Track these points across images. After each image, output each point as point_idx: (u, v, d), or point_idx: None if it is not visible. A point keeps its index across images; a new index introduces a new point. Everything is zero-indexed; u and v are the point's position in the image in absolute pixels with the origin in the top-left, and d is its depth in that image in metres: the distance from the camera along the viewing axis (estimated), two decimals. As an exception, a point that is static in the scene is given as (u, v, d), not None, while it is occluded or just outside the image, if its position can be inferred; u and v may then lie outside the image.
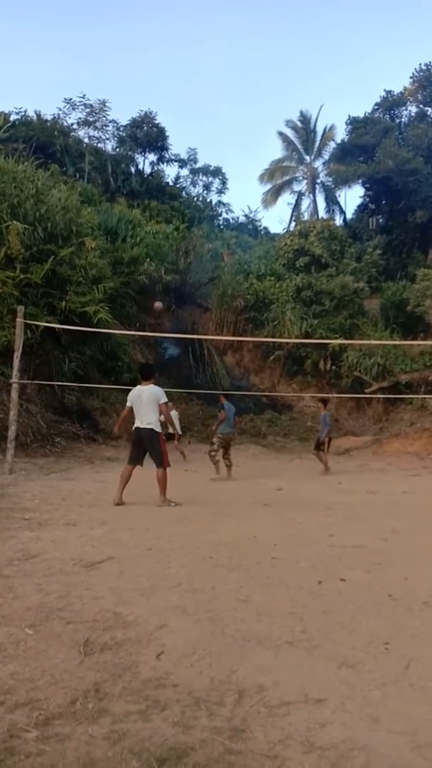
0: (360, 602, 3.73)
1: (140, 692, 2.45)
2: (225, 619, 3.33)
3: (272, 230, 40.96)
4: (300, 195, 36.28)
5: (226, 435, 11.64)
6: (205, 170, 40.54)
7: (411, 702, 2.45)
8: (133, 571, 4.29)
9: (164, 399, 7.53)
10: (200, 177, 40.66)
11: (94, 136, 33.95)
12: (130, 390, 7.90)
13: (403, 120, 33.35)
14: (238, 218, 42.38)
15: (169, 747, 2.04)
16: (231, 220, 41.86)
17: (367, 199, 31.29)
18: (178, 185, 39.15)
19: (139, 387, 7.68)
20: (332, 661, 2.82)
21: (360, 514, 7.50)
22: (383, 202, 30.21)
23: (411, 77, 32.24)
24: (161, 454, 7.44)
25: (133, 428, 7.58)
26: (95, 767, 1.93)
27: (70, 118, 32.76)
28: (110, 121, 34.26)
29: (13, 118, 28.42)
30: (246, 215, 42.55)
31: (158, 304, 14.11)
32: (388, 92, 33.51)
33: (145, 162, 37.41)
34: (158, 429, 7.51)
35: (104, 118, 33.48)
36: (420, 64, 31.74)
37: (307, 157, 34.88)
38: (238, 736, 2.13)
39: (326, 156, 34.37)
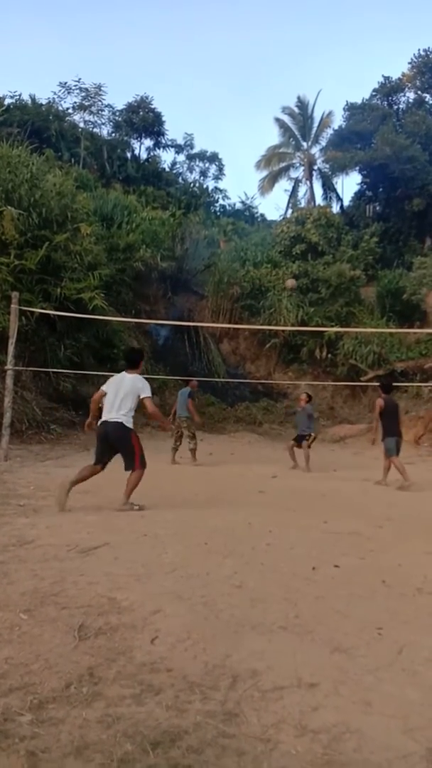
0: (354, 588, 3.75)
1: (134, 676, 2.46)
2: (219, 605, 3.35)
3: (269, 217, 40.86)
4: (297, 182, 36.11)
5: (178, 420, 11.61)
6: (202, 156, 40.29)
7: (403, 686, 2.47)
8: (127, 556, 4.29)
9: (147, 393, 6.32)
10: (197, 163, 40.44)
11: (89, 121, 33.69)
12: None
13: (401, 106, 33.13)
14: (234, 205, 42.21)
15: (163, 730, 2.05)
16: (227, 207, 41.67)
17: (364, 186, 31.16)
18: (174, 171, 38.92)
19: (122, 374, 6.54)
20: (325, 646, 2.84)
21: (354, 501, 7.53)
22: (380, 189, 30.08)
23: (409, 63, 32.07)
24: (134, 453, 6.25)
25: (100, 422, 6.38)
26: (89, 750, 1.94)
27: (65, 102, 32.51)
28: (106, 106, 34.01)
29: (7, 101, 28.15)
30: (243, 202, 42.37)
31: (291, 282, 13.69)
32: (387, 78, 33.28)
33: (141, 147, 37.18)
34: (129, 425, 6.31)
35: (100, 103, 33.24)
36: (419, 50, 31.57)
37: (305, 144, 34.64)
38: (232, 720, 2.14)
39: (323, 142, 34.15)
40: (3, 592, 3.44)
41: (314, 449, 13.42)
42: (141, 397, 6.31)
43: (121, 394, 6.30)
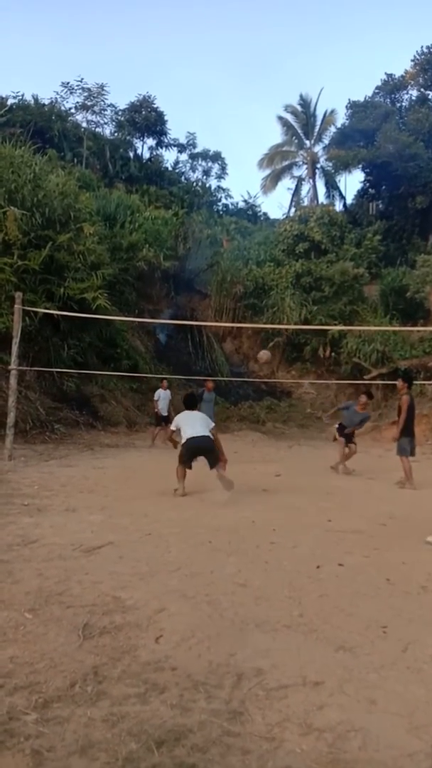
0: (358, 586, 3.75)
1: (139, 675, 2.46)
2: (223, 603, 3.35)
3: (272, 216, 40.66)
4: (300, 180, 36.03)
5: None
6: (205, 155, 40.15)
7: (408, 684, 2.47)
8: (132, 555, 4.30)
9: (213, 424, 8.02)
10: (199, 162, 40.27)
11: (92, 121, 33.64)
12: (129, 376, 7.93)
13: (403, 104, 33.06)
14: (237, 204, 42.04)
15: (168, 729, 2.05)
16: (230, 206, 41.51)
17: (367, 185, 31.08)
18: (177, 170, 38.82)
19: (186, 412, 8.01)
20: (330, 644, 2.84)
21: (358, 500, 7.52)
22: (383, 187, 30.01)
23: (412, 60, 31.92)
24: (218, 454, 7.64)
25: (188, 438, 7.51)
26: (94, 749, 1.94)
27: (67, 102, 32.44)
28: (108, 106, 33.91)
29: (10, 102, 28.15)
30: (245, 201, 42.23)
31: (265, 356, 13.64)
32: (389, 76, 33.24)
33: (144, 147, 37.10)
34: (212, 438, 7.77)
35: (102, 103, 33.14)
36: (421, 47, 31.41)
37: (307, 142, 34.57)
38: (236, 719, 2.14)
39: (326, 140, 34.05)
40: (8, 591, 3.45)
41: (317, 448, 13.43)
42: (210, 427, 7.78)
43: (198, 421, 7.79)
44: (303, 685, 2.43)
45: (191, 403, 8.18)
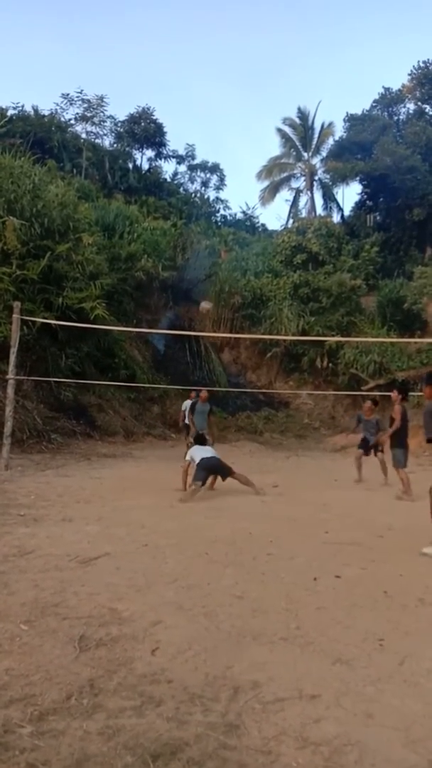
0: (355, 599, 3.75)
1: (135, 688, 2.45)
2: (220, 615, 3.34)
3: (270, 227, 40.92)
4: (298, 192, 36.26)
5: None
6: (203, 166, 40.45)
7: (404, 698, 2.46)
8: (128, 567, 4.29)
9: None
10: (198, 173, 40.57)
11: (91, 132, 33.90)
12: (126, 386, 8.25)
13: (401, 117, 33.39)
14: (235, 215, 42.30)
15: (164, 742, 2.04)
16: (228, 217, 41.75)
17: (365, 197, 31.29)
18: (175, 181, 39.08)
19: (197, 447, 9.03)
20: (327, 657, 2.83)
21: (355, 511, 7.51)
22: (381, 199, 30.21)
23: (409, 74, 32.29)
24: (229, 469, 8.86)
25: (202, 459, 8.56)
26: (89, 762, 1.93)
27: (67, 113, 32.71)
28: (108, 117, 34.21)
29: (10, 113, 28.33)
30: (244, 212, 42.48)
31: (206, 305, 13.50)
32: (387, 89, 33.59)
33: (143, 158, 37.36)
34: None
35: (102, 114, 33.43)
36: (418, 62, 31.82)
37: (305, 154, 34.82)
38: (233, 732, 2.14)
39: (324, 153, 34.34)
40: (3, 602, 3.43)
41: (315, 458, 13.44)
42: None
43: (209, 449, 9.01)
44: (299, 698, 2.42)
45: (202, 441, 9.40)
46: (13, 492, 7.61)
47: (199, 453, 8.87)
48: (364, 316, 24.55)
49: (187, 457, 8.94)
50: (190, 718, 2.22)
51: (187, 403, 14.21)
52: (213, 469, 8.82)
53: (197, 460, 8.68)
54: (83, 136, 32.93)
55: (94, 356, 16.64)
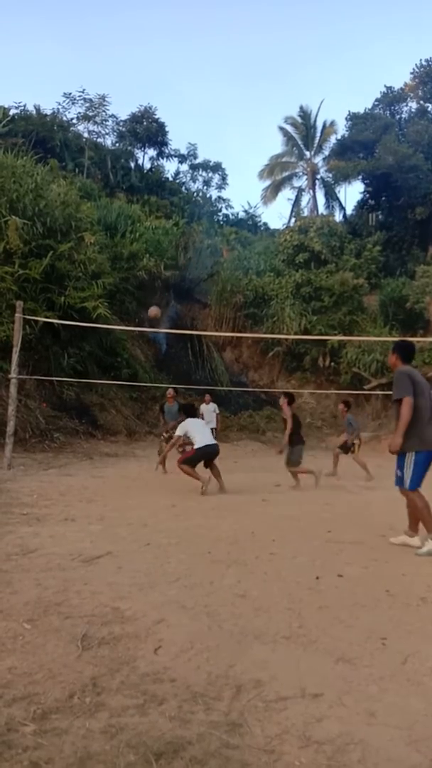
0: (357, 598, 3.74)
1: (138, 686, 2.45)
2: (223, 614, 3.34)
3: (272, 226, 40.93)
4: (300, 191, 36.25)
5: None
6: (205, 166, 40.44)
7: (407, 697, 2.46)
8: (131, 566, 4.29)
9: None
10: (200, 172, 40.58)
11: (93, 131, 33.92)
12: (129, 385, 8.50)
13: (403, 116, 33.35)
14: (237, 214, 42.30)
15: (167, 741, 2.04)
16: (230, 216, 41.75)
17: (367, 196, 31.25)
18: (177, 181, 39.07)
19: (191, 419, 8.97)
20: (329, 656, 2.83)
21: (358, 510, 7.50)
22: (383, 198, 30.17)
23: (411, 73, 32.28)
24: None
25: (203, 445, 8.60)
26: (92, 761, 1.93)
27: (69, 112, 32.74)
28: (110, 116, 34.24)
29: (12, 112, 28.35)
30: (246, 211, 42.48)
31: (155, 310, 13.52)
32: (389, 88, 33.58)
33: (145, 157, 37.39)
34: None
35: (104, 113, 33.46)
36: (420, 60, 31.81)
37: (307, 153, 34.81)
38: (235, 731, 2.13)
39: (326, 152, 34.34)
40: (7, 601, 3.44)
41: (317, 458, 13.42)
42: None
43: (206, 429, 9.20)
44: (302, 696, 2.42)
45: (192, 411, 9.25)
46: (16, 491, 7.62)
47: (199, 433, 8.65)
48: (367, 315, 24.54)
49: (180, 431, 8.73)
50: (192, 716, 2.22)
51: (203, 407, 14.25)
52: (211, 456, 8.70)
53: (198, 444, 8.51)
54: (85, 135, 32.97)
55: (96, 355, 16.65)
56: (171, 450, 9.67)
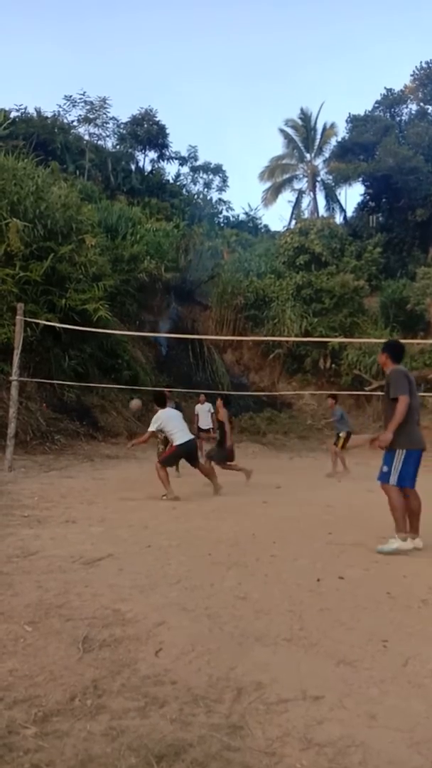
0: (358, 600, 3.74)
1: (139, 689, 2.45)
2: (223, 617, 3.34)
3: (272, 228, 40.96)
4: (300, 193, 36.29)
5: None
6: (206, 168, 40.49)
7: (408, 699, 2.46)
8: (132, 568, 4.29)
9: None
10: (200, 175, 40.62)
11: (94, 134, 33.96)
12: (129, 388, 8.21)
13: (403, 118, 33.38)
14: (238, 216, 42.34)
15: (168, 744, 2.04)
16: (231, 218, 41.80)
17: (368, 197, 31.27)
18: (178, 183, 39.12)
19: (166, 410, 8.24)
20: (330, 658, 2.83)
21: (359, 512, 7.50)
22: (383, 200, 30.20)
23: (411, 75, 32.34)
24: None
25: (182, 442, 8.02)
26: (93, 763, 1.93)
27: (70, 115, 32.78)
28: (110, 119, 34.27)
29: (13, 115, 28.38)
30: (246, 213, 42.52)
31: (137, 403, 13.51)
32: (389, 90, 33.58)
33: (146, 159, 37.44)
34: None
35: (104, 116, 33.50)
36: (420, 62, 31.85)
37: (308, 155, 34.84)
38: (236, 733, 2.13)
39: (327, 154, 34.39)
40: (8, 603, 3.44)
41: (319, 460, 13.43)
42: None
43: (183, 423, 8.21)
44: (303, 699, 2.41)
45: (163, 401, 8.37)
46: (17, 493, 7.62)
47: (175, 427, 7.95)
48: (367, 317, 24.56)
49: (153, 426, 8.05)
50: (193, 719, 2.22)
51: (198, 407, 14.24)
52: (189, 455, 8.18)
53: (179, 441, 7.87)
54: (86, 137, 33.01)
55: (97, 357, 16.67)
56: (139, 445, 9.20)
